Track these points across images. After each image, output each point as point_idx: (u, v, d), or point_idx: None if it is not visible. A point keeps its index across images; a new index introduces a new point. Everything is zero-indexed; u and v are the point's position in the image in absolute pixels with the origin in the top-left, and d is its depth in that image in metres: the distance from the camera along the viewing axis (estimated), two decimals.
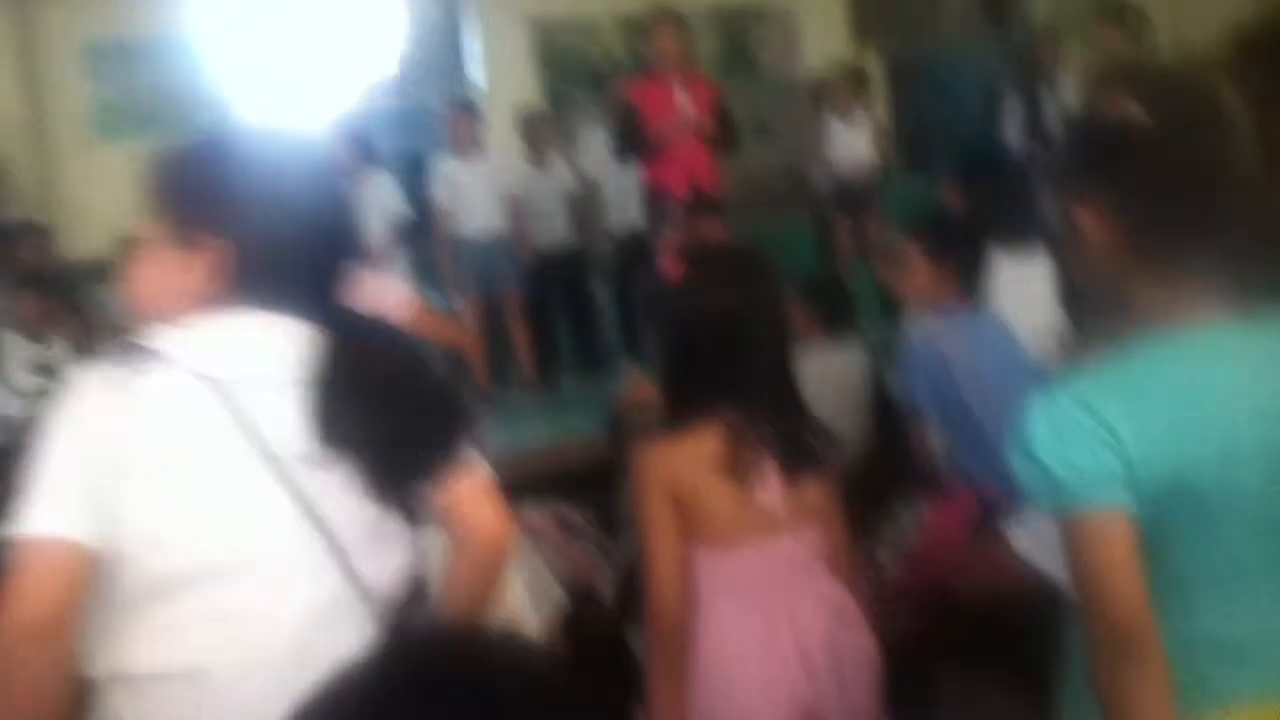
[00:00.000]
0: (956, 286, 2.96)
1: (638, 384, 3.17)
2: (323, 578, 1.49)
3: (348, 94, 7.20)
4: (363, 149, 6.26)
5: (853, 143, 6.76)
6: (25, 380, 4.87)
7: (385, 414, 1.52)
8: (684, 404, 1.99)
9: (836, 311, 3.90)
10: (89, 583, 1.42)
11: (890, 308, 6.09)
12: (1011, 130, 6.56)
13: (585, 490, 2.90)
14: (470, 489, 1.62)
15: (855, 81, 6.98)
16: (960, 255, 3.00)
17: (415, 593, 1.61)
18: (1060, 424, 1.35)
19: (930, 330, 2.97)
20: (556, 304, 6.68)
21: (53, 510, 1.42)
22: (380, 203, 6.15)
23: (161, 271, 1.52)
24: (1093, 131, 1.48)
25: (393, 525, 1.57)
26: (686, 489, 1.91)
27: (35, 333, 4.96)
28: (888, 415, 3.34)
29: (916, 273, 3.01)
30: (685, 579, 1.92)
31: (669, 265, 3.30)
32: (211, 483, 1.46)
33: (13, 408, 4.77)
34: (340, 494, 1.49)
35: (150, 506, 1.44)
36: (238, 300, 1.50)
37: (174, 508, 1.44)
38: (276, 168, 1.54)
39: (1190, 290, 1.38)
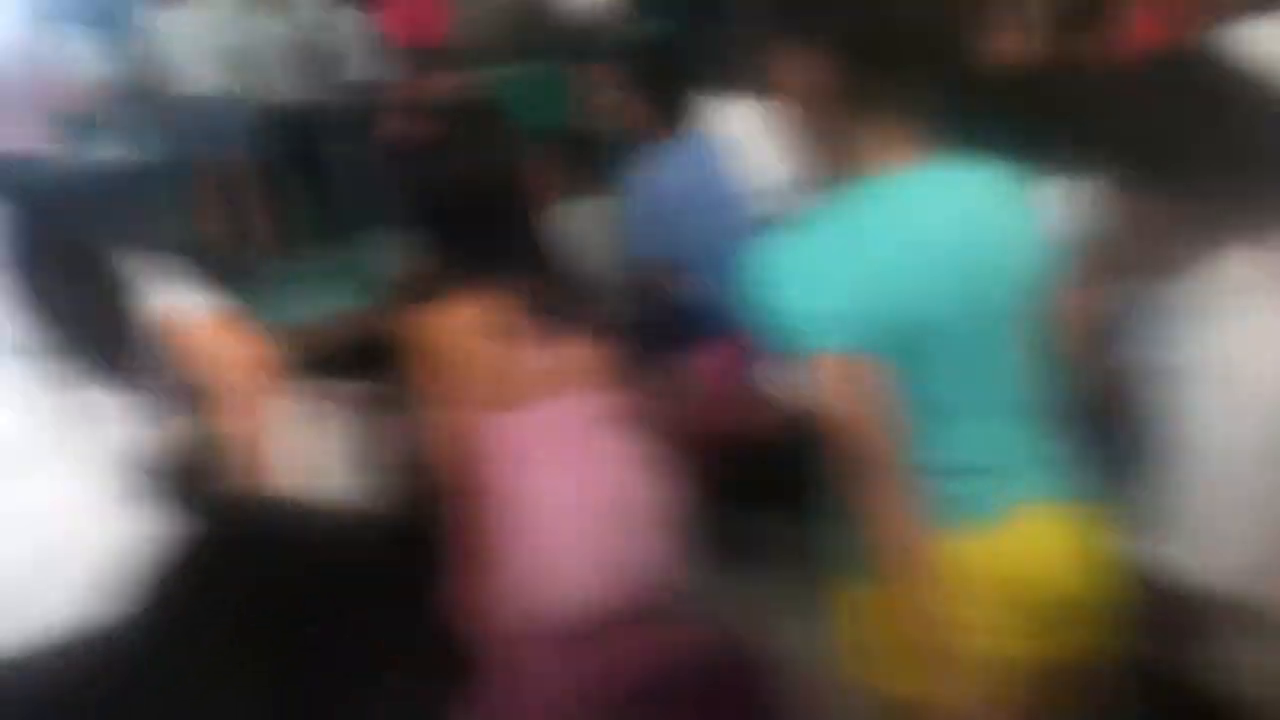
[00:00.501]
0: (660, 119, 3.01)
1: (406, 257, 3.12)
2: (79, 463, 1.50)
3: None
4: (55, 3, 5.69)
5: None
6: None
7: (71, 293, 1.53)
8: (447, 271, 1.97)
9: (588, 165, 3.92)
10: None
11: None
12: None
13: (361, 367, 2.88)
14: (203, 329, 1.65)
15: None
16: (658, 86, 3.03)
17: (190, 463, 1.64)
18: (785, 270, 1.43)
19: (643, 171, 3.02)
20: (289, 166, 6.39)
21: None
22: (82, 63, 5.64)
23: None
24: None
25: (134, 396, 1.59)
26: (460, 357, 1.89)
27: None
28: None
29: (607, 102, 3.07)
30: (468, 448, 1.92)
31: (398, 122, 3.14)
32: None
33: None
34: (75, 375, 1.50)
35: None
36: None
37: None
38: None
39: (897, 135, 1.47)
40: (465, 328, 1.91)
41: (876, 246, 1.44)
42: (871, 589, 1.49)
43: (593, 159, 4.06)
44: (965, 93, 2.02)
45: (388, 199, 5.62)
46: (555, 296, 2.00)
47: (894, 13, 1.46)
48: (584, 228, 3.56)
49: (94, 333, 1.54)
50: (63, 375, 1.49)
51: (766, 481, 2.44)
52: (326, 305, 4.07)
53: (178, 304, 1.64)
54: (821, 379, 1.43)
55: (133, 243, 1.69)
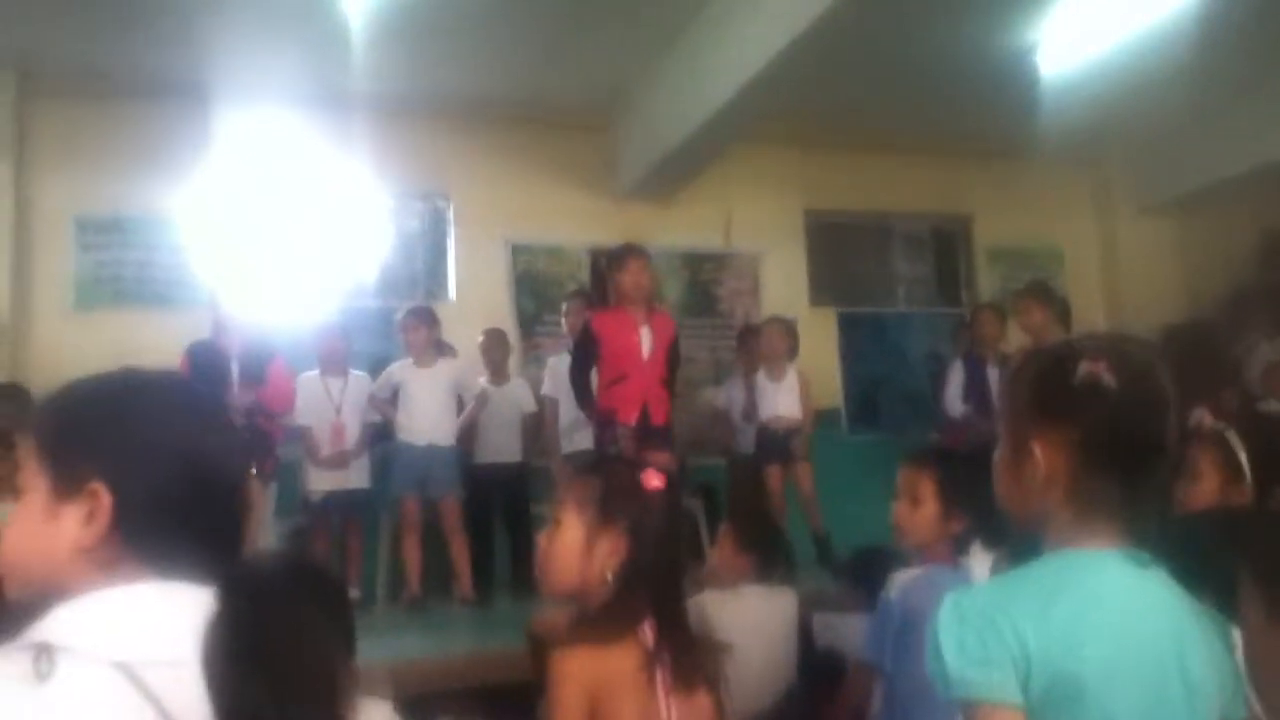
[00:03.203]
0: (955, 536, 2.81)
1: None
2: None
3: (328, 289, 7.45)
4: (348, 347, 6.47)
5: (781, 398, 6.74)
6: None
7: (278, 692, 1.34)
8: (624, 610, 2.03)
9: (770, 555, 3.96)
10: None
11: (824, 558, 6.19)
12: (952, 393, 6.83)
13: (504, 706, 2.89)
14: None
15: (790, 341, 6.90)
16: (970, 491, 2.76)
17: None
18: (968, 623, 1.47)
19: (911, 581, 2.85)
20: (496, 520, 6.69)
21: None
22: (357, 403, 6.38)
23: (35, 526, 1.38)
24: (1064, 378, 1.59)
25: None
26: (604, 694, 1.93)
27: None
28: (812, 664, 3.35)
29: (925, 507, 2.84)
30: None
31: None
32: None
33: None
34: None
35: None
36: (124, 564, 1.36)
37: None
38: (159, 407, 1.44)
39: (1103, 523, 1.53)
40: (619, 668, 1.95)
41: (1062, 609, 1.47)
42: None
43: (779, 551, 4.09)
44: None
45: None
46: (689, 648, 2.03)
47: (1141, 426, 1.55)
48: (759, 614, 3.55)
49: None
50: None
51: None
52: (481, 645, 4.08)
53: None
54: None
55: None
